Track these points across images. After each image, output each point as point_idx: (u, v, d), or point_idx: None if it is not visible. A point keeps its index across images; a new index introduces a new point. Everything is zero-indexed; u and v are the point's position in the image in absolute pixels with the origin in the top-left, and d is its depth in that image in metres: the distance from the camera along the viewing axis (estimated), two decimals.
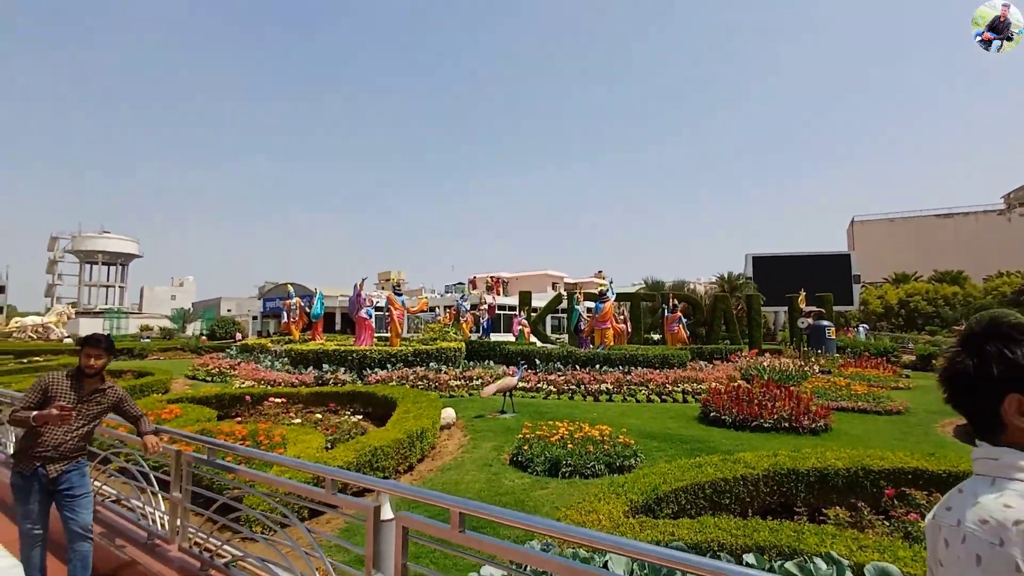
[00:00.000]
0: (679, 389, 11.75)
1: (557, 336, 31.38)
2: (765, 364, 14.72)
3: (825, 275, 45.02)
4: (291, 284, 26.72)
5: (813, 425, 8.17)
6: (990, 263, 61.18)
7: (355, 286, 14.90)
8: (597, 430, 6.87)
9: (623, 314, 22.16)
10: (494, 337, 27.40)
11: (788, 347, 25.32)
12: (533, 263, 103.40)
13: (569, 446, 6.34)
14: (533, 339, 25.96)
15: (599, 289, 16.20)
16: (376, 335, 16.79)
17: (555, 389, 11.87)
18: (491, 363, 14.77)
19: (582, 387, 11.85)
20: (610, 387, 11.66)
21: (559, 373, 13.05)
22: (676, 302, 20.27)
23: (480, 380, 12.49)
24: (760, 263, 48.30)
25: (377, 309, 18.45)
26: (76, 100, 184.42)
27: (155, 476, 4.38)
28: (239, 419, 8.69)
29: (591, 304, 17.07)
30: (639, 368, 13.14)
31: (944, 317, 49.40)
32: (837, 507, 4.42)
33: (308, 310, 18.63)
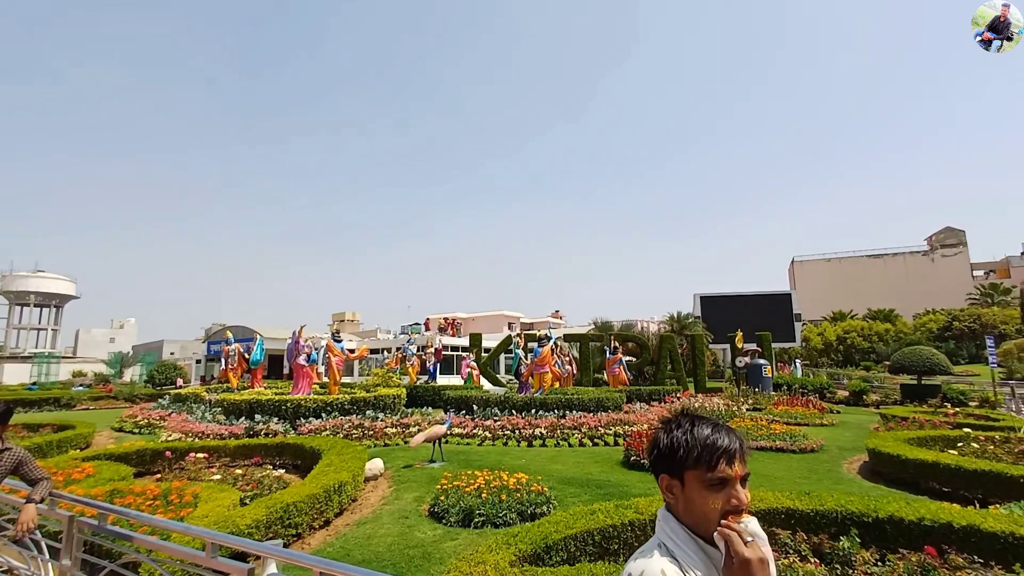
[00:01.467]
0: (611, 432, 12.11)
1: (509, 379, 31.53)
2: (697, 405, 15.30)
3: (769, 313, 46.90)
4: (230, 328, 26.06)
5: None
6: (918, 301, 65.32)
7: (293, 332, 14.82)
8: (514, 478, 7.09)
9: (568, 355, 22.58)
10: (444, 380, 27.37)
11: (729, 385, 26.30)
12: (491, 303, 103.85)
13: (484, 495, 6.53)
14: (483, 382, 26.01)
15: (539, 333, 16.61)
16: (319, 382, 16.64)
17: (490, 435, 12.02)
18: (430, 409, 14.84)
19: (517, 432, 12.05)
20: (544, 432, 11.91)
21: (496, 419, 13.22)
22: (617, 344, 20.84)
23: (418, 427, 12.53)
24: (708, 302, 50.00)
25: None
26: (14, 132, 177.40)
27: (47, 544, 4.35)
28: (159, 476, 8.50)
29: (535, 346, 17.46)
30: (574, 412, 13.46)
31: (879, 353, 52.18)
32: None
33: (248, 356, 18.28)
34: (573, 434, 11.94)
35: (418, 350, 24.12)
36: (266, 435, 11.59)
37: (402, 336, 44.76)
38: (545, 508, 6.51)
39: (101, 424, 16.56)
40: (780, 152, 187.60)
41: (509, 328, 57.75)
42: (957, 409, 18.21)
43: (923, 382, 24.89)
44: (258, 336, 18.75)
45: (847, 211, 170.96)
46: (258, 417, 12.58)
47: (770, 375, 25.87)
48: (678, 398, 17.72)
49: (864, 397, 25.68)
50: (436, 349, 23.72)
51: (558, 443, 11.61)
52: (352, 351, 17.22)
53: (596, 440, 11.83)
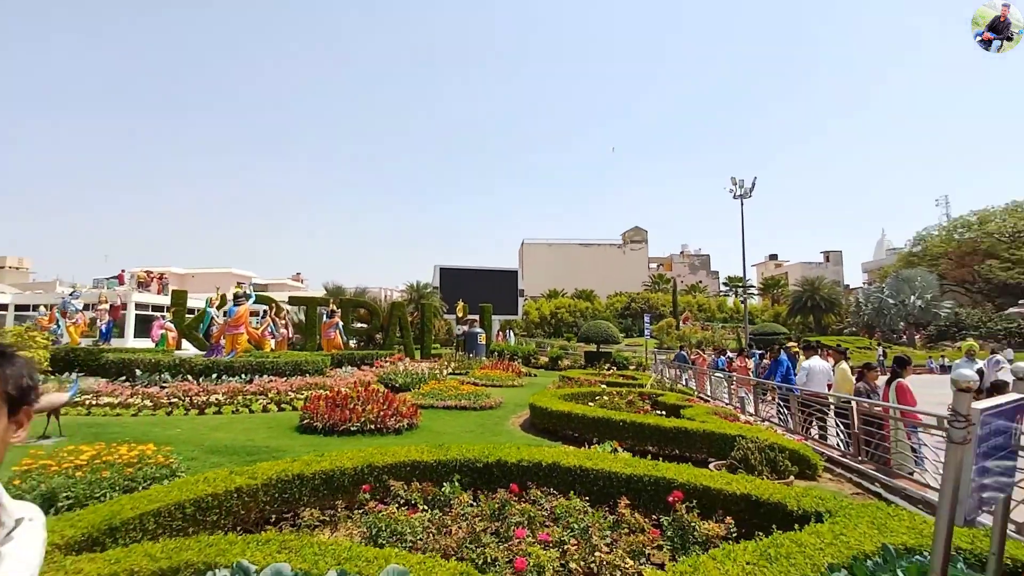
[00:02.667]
0: (301, 397, 11.51)
1: None
2: (401, 368, 15.70)
3: (499, 288, 51.24)
4: None
5: (398, 425, 8.86)
6: (612, 284, 79.43)
7: None
8: (136, 451, 6.04)
9: (285, 318, 21.07)
10: (132, 343, 23.01)
11: (450, 351, 28.00)
12: (223, 261, 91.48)
13: (79, 474, 5.38)
14: (186, 345, 22.76)
15: (237, 291, 14.95)
16: None
17: (151, 404, 10.30)
18: (75, 375, 12.07)
19: (188, 399, 10.57)
20: (221, 398, 10.70)
21: (164, 385, 11.43)
22: (335, 307, 20.15)
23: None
24: (446, 274, 52.33)
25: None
26: None
27: None
28: None
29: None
30: (265, 376, 12.46)
31: (579, 326, 62.26)
32: (312, 508, 4.68)
33: None
34: (257, 399, 10.99)
35: (85, 307, 19.56)
36: None
37: (95, 290, 36.18)
38: (165, 481, 5.68)
39: None
40: (516, 141, 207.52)
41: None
42: (617, 371, 22.45)
43: (600, 350, 30.11)
44: None
45: (574, 203, 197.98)
46: None
47: (484, 343, 28.25)
48: (390, 362, 17.97)
49: (559, 362, 30.01)
50: (111, 306, 19.57)
51: (237, 410, 10.55)
52: None
53: (283, 405, 11.11)
